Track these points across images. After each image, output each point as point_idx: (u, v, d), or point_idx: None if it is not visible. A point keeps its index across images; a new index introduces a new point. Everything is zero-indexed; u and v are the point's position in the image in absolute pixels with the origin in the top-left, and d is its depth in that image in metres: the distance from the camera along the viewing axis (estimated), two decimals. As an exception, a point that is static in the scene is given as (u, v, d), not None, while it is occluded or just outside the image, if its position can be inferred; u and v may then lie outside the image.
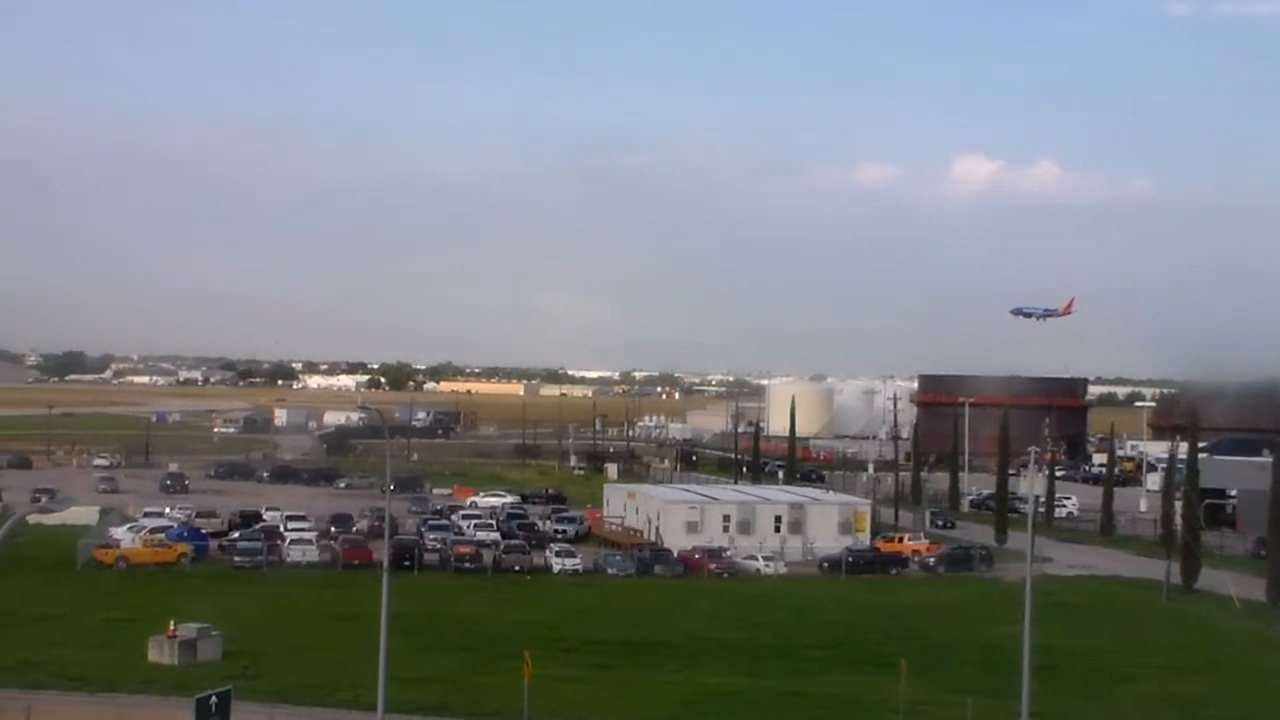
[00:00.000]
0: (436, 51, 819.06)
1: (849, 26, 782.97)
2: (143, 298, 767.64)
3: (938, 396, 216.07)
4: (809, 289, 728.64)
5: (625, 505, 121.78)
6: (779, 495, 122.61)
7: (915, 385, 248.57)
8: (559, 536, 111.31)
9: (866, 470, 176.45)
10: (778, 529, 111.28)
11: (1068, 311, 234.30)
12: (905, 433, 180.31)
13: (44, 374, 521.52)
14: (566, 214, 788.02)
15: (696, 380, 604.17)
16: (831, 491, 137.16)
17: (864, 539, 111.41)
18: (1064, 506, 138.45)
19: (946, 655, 68.38)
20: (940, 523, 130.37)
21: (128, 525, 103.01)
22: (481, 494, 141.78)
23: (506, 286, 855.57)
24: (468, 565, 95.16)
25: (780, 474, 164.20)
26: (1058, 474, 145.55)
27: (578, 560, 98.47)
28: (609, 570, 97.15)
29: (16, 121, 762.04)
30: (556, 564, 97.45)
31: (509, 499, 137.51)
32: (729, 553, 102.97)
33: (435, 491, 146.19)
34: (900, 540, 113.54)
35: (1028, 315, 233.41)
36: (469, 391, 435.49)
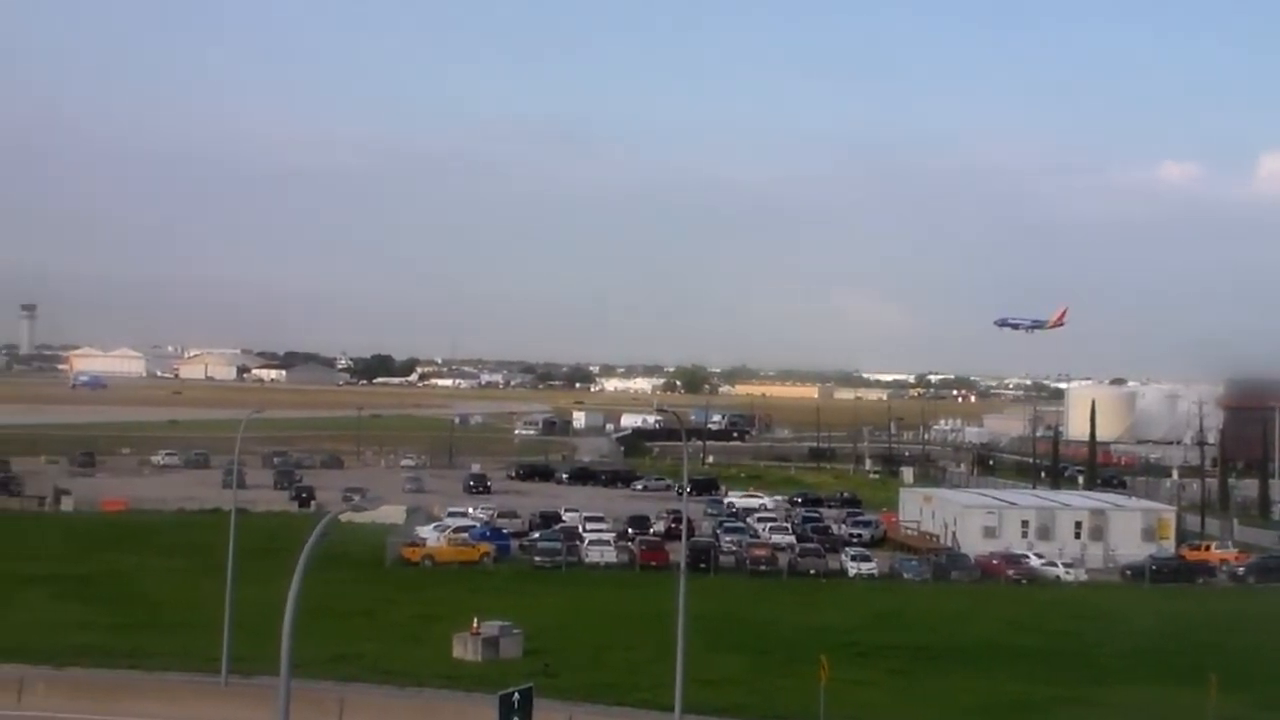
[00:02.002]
0: (726, 54, 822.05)
1: (1145, 20, 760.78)
2: (447, 303, 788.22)
3: (1246, 400, 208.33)
4: (1108, 291, 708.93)
5: (921, 509, 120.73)
6: (1079, 501, 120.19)
7: (1220, 388, 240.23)
8: (854, 540, 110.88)
9: (1170, 476, 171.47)
10: (1078, 535, 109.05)
11: (1059, 323, 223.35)
12: (1211, 438, 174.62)
13: (353, 377, 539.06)
14: (862, 216, 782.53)
15: (993, 383, 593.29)
16: (1133, 498, 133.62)
17: (1168, 546, 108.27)
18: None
19: (1258, 669, 65.95)
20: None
21: (433, 524, 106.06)
22: (739, 495, 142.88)
23: (801, 289, 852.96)
24: (763, 568, 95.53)
25: (1080, 479, 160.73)
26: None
27: (873, 564, 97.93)
28: (904, 575, 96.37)
29: (321, 132, 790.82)
30: (852, 568, 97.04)
31: (766, 500, 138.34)
32: (1028, 559, 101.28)
33: (730, 494, 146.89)
34: (1207, 549, 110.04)
35: (1014, 327, 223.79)
36: (764, 394, 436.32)
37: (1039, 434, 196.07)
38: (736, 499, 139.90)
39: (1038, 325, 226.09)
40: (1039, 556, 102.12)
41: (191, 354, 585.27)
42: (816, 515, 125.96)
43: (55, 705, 50.11)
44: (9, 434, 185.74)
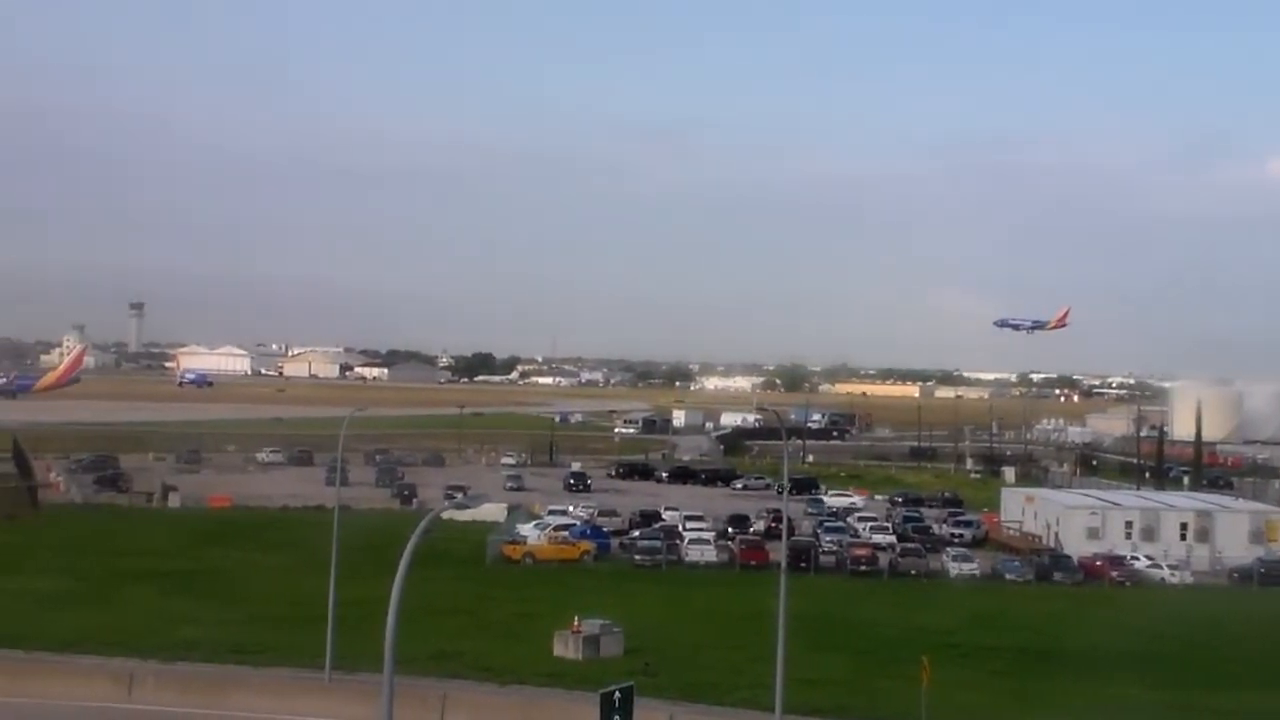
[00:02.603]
0: (825, 51, 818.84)
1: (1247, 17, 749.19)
2: (548, 301, 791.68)
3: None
4: (1213, 289, 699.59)
5: (1023, 510, 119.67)
6: (1184, 502, 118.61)
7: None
8: (955, 540, 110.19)
9: (1279, 477, 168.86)
10: (1183, 537, 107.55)
11: (1061, 324, 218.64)
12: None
13: (455, 375, 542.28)
14: (963, 213, 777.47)
15: (1096, 383, 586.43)
16: (1240, 499, 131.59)
17: (1277, 549, 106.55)
18: None
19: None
20: None
21: (533, 522, 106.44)
22: (833, 494, 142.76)
23: (902, 287, 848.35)
24: (863, 568, 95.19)
25: (1185, 480, 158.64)
26: None
27: (974, 565, 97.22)
28: (1006, 575, 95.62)
29: (426, 133, 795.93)
30: (953, 568, 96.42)
31: (857, 499, 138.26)
32: (1132, 560, 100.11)
33: (831, 493, 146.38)
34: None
35: (1015, 328, 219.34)
36: (864, 393, 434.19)
37: (1143, 434, 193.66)
38: (826, 498, 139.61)
39: (1038, 326, 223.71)
40: (1144, 558, 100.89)
41: (295, 352, 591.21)
42: (917, 515, 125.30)
43: (165, 699, 50.83)
44: (118, 431, 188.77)
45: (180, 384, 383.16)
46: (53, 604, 71.11)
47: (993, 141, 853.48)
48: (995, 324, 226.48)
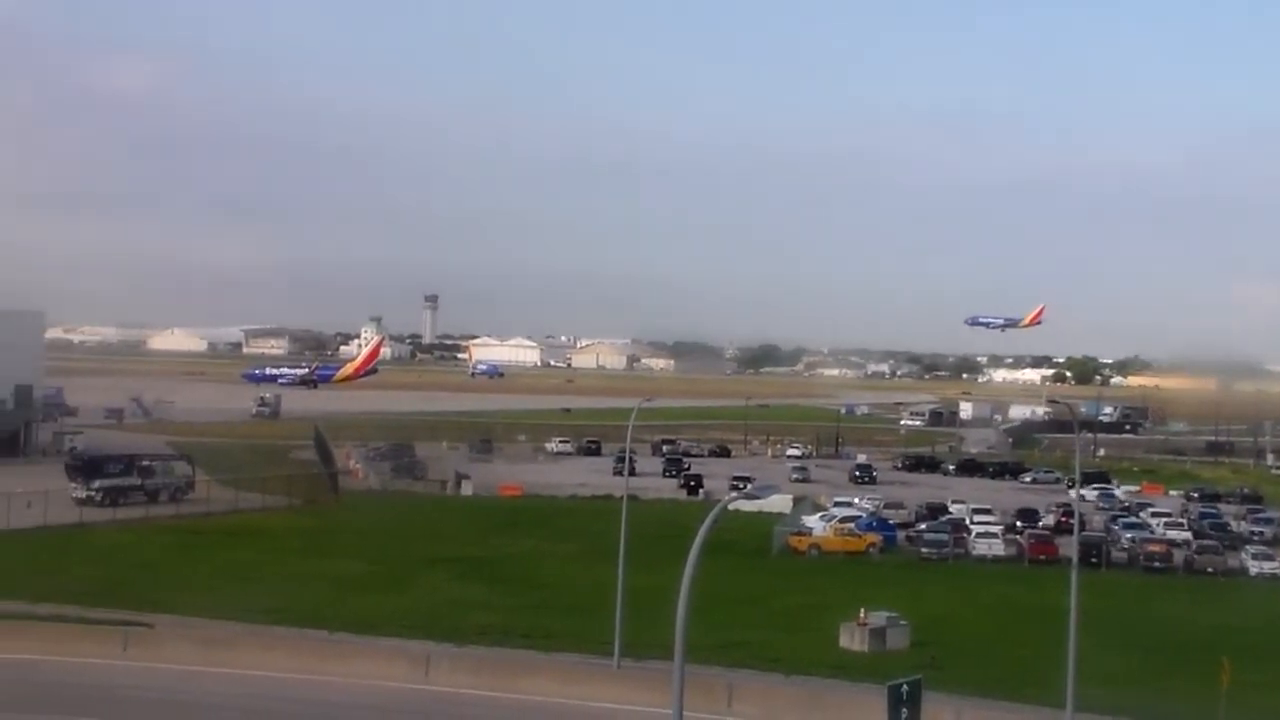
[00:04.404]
0: (1117, 37, 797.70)
1: None
2: (833, 293, 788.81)
3: None
4: None
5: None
6: None
7: None
8: (1255, 538, 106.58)
9: None
10: None
11: (1035, 322, 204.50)
12: None
13: (740, 366, 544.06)
14: (1268, 201, 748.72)
15: None
16: None
17: None
18: None
19: None
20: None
21: (819, 514, 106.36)
22: (1123, 488, 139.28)
23: (1198, 277, 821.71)
24: (1157, 564, 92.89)
25: None
26: None
27: (1276, 563, 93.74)
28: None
29: (713, 129, 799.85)
30: (1253, 566, 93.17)
31: (1116, 490, 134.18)
32: None
33: (1123, 488, 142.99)
34: None
35: (986, 326, 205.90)
36: (1156, 386, 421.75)
37: None
38: (1118, 492, 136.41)
39: (1010, 324, 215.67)
40: None
41: (584, 344, 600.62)
42: (1214, 511, 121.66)
43: (459, 681, 52.21)
44: (413, 420, 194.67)
45: (472, 375, 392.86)
46: (353, 587, 73.74)
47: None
48: (966, 322, 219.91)
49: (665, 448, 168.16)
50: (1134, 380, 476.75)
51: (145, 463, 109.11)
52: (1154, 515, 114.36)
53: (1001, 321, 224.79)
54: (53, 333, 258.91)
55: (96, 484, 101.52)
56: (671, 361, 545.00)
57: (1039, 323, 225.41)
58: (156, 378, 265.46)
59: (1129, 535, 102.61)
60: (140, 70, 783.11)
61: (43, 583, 68.63)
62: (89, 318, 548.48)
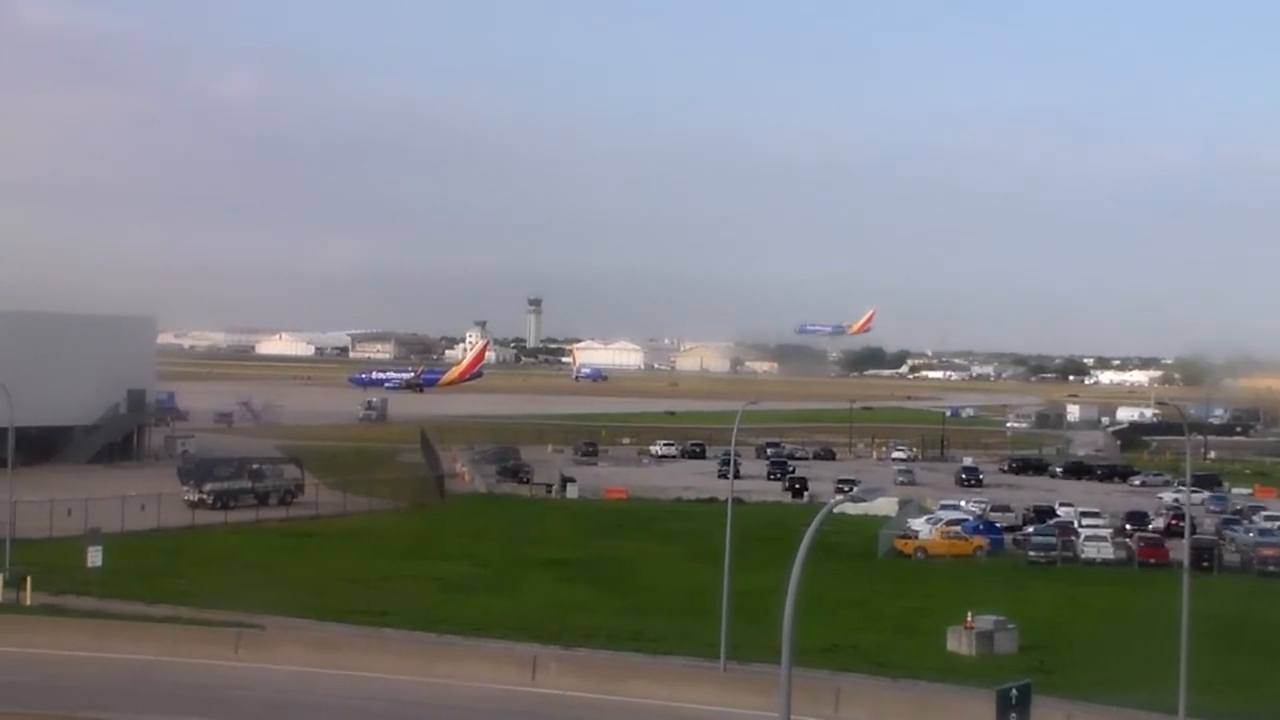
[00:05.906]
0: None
1: None
2: (938, 295, 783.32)
3: None
4: None
5: None
6: None
7: None
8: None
9: None
10: None
11: (865, 328, 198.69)
12: None
13: (844, 369, 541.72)
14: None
15: None
16: None
17: None
18: None
19: None
20: None
21: (925, 517, 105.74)
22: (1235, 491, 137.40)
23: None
24: (1271, 569, 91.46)
25: None
26: None
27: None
28: None
29: (819, 129, 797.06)
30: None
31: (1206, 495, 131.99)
32: None
33: (1234, 491, 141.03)
34: None
35: (814, 332, 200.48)
36: (1269, 387, 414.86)
37: None
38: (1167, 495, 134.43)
39: (838, 331, 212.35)
40: None
41: (687, 347, 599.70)
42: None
43: (566, 684, 52.48)
44: (519, 424, 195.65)
45: (576, 378, 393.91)
46: (460, 589, 74.43)
47: None
48: (795, 330, 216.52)
49: (770, 450, 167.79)
50: (1245, 381, 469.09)
51: (255, 466, 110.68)
52: (1267, 519, 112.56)
53: (829, 329, 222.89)
54: (163, 338, 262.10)
55: (208, 487, 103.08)
56: (775, 364, 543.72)
57: (868, 329, 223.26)
58: (265, 382, 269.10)
59: (1249, 537, 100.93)
60: (247, 77, 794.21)
61: (158, 585, 69.86)
62: (198, 323, 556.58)
